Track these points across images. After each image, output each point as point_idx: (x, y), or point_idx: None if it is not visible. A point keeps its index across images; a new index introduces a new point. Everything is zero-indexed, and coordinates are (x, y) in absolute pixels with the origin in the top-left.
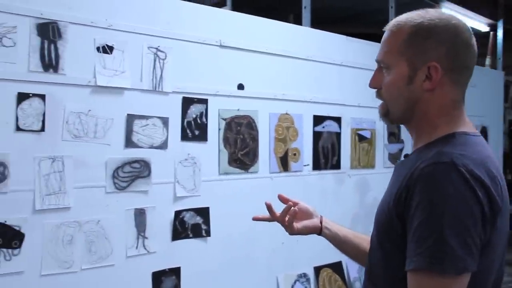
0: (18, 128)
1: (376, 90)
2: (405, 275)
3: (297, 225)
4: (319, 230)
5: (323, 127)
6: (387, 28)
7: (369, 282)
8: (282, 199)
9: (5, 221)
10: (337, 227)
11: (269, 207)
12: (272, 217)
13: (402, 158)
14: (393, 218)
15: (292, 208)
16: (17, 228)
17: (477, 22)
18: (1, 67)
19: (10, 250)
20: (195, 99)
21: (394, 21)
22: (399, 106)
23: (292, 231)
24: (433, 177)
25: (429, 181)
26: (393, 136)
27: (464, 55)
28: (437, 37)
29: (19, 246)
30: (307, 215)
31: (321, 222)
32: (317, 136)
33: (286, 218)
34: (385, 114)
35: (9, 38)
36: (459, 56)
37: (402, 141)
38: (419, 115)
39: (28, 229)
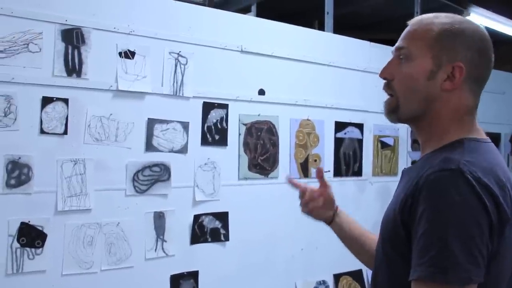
0: (42, 131)
1: (386, 81)
2: (409, 284)
3: (312, 206)
4: (328, 221)
5: (345, 133)
6: (415, 21)
7: None
8: (319, 172)
9: (29, 221)
10: (347, 223)
11: (289, 181)
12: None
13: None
14: (397, 225)
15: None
16: (40, 228)
17: (506, 27)
18: (27, 72)
19: (33, 250)
20: (216, 104)
21: (423, 16)
22: (413, 101)
23: (304, 209)
24: (439, 184)
25: (434, 188)
26: (417, 143)
27: (485, 66)
28: (467, 40)
29: (42, 246)
30: (328, 204)
31: (334, 215)
32: (338, 142)
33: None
34: (394, 109)
35: (35, 44)
36: (481, 66)
37: None
38: (431, 115)
39: (50, 230)
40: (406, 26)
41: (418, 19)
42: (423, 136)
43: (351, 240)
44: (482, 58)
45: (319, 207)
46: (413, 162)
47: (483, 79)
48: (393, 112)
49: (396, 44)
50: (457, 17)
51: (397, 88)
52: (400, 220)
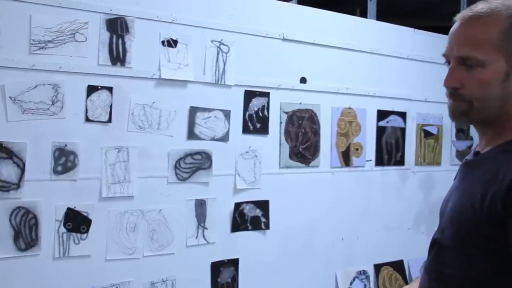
0: (87, 119)
1: (451, 89)
2: (488, 278)
3: None
4: None
5: (387, 122)
6: (470, 21)
7: (435, 282)
8: None
9: (75, 207)
10: None
11: None
12: None
13: (471, 156)
14: (482, 221)
15: None
16: (85, 214)
17: None
18: (74, 61)
19: (78, 235)
20: (257, 92)
21: (478, 10)
22: (489, 105)
23: None
24: None
25: None
26: (462, 133)
27: None
28: None
29: (87, 231)
30: None
31: None
32: (380, 131)
33: None
34: (465, 113)
35: (81, 34)
36: None
37: (471, 138)
38: (506, 113)
39: (95, 215)
40: (451, 12)
41: (473, 17)
42: (492, 131)
43: None
44: None
45: None
46: (458, 152)
47: None
48: (465, 115)
49: (457, 53)
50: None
51: (469, 95)
52: (487, 216)
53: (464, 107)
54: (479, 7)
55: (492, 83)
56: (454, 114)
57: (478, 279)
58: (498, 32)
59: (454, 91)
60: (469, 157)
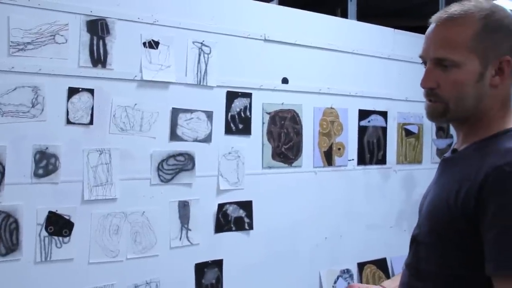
0: (68, 121)
1: (427, 90)
2: (462, 274)
3: None
4: None
5: (369, 121)
6: (445, 23)
7: (414, 277)
8: None
9: (56, 210)
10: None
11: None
12: None
13: (449, 153)
14: (455, 217)
15: None
16: (67, 217)
17: None
18: (54, 63)
19: (60, 238)
20: (239, 93)
21: (451, 13)
22: (464, 105)
23: None
24: None
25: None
26: (442, 131)
27: None
28: (507, 29)
29: (69, 235)
30: None
31: None
32: (362, 130)
33: None
34: (443, 114)
35: (61, 35)
36: None
37: (451, 136)
38: (481, 111)
39: (77, 219)
40: (430, 12)
41: (447, 19)
42: (467, 129)
43: None
44: None
45: None
46: (438, 150)
47: None
48: (442, 116)
49: (434, 55)
50: (485, 4)
51: (445, 95)
52: (461, 212)
53: (440, 108)
54: (453, 9)
55: (466, 83)
56: (432, 115)
57: (453, 274)
58: (472, 34)
59: (431, 91)
60: (447, 154)
